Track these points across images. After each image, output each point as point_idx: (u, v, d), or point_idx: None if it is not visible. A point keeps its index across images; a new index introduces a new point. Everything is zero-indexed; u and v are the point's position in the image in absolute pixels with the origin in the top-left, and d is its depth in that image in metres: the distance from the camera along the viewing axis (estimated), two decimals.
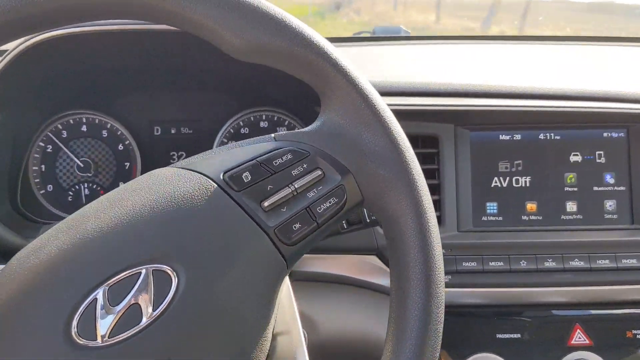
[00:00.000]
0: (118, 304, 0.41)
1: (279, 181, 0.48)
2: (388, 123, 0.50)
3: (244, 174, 0.47)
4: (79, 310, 0.40)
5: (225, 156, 0.50)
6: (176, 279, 0.42)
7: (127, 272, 0.41)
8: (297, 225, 0.47)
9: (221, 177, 0.47)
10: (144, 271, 0.42)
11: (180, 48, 0.91)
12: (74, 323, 0.40)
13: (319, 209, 0.48)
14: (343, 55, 0.49)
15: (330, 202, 0.49)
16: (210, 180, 0.46)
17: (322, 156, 0.50)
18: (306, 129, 0.52)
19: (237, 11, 0.46)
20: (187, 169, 0.48)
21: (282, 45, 0.47)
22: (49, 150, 0.94)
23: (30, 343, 0.40)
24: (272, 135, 0.51)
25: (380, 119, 0.49)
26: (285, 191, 0.47)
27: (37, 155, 0.94)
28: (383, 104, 0.50)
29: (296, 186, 0.48)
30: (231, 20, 0.46)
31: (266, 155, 0.49)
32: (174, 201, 0.45)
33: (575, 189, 0.90)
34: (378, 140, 0.49)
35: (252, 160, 0.48)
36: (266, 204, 0.47)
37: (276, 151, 0.49)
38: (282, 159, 0.49)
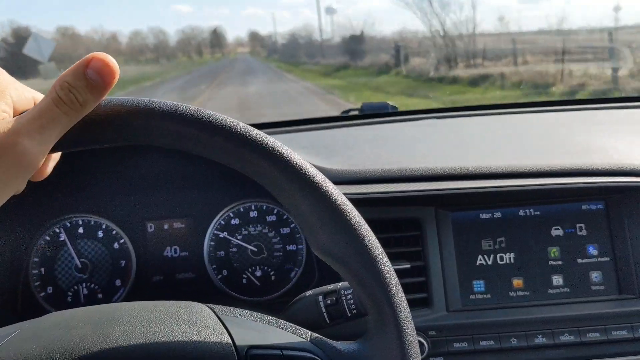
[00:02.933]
0: None
1: None
2: None
3: None
4: None
5: (260, 326, 0.53)
6: None
7: None
8: None
9: (245, 352, 0.50)
10: None
11: (173, 153, 0.96)
12: None
13: None
14: (404, 302, 0.51)
15: None
16: (234, 351, 0.49)
17: None
18: (341, 346, 0.53)
19: (337, 225, 0.49)
20: (223, 324, 0.52)
21: (359, 271, 0.50)
22: (47, 254, 0.98)
23: None
24: (310, 334, 0.54)
25: None
26: None
27: (37, 260, 0.97)
28: None
29: None
30: (328, 228, 0.49)
31: (293, 352, 0.51)
32: (191, 352, 0.49)
33: (560, 263, 0.91)
34: None
35: (279, 350, 0.50)
36: None
37: (304, 354, 0.51)
38: None
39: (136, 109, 0.48)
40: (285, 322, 0.56)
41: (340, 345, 0.53)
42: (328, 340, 0.54)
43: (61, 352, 0.48)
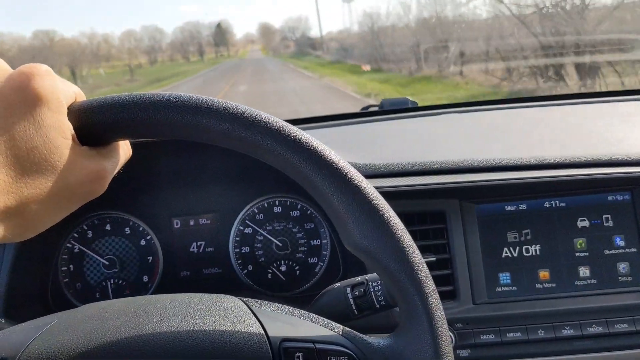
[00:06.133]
0: None
1: None
2: None
3: (298, 353, 0.50)
4: None
5: (293, 319, 0.54)
6: None
7: None
8: None
9: (278, 344, 0.50)
10: None
11: (197, 150, 0.97)
12: None
13: None
14: (435, 295, 0.51)
15: None
16: (267, 343, 0.50)
17: None
18: (373, 340, 0.53)
19: (369, 219, 0.49)
20: (256, 317, 0.53)
21: (390, 266, 0.50)
22: (76, 250, 0.99)
23: None
24: (342, 328, 0.54)
25: None
26: None
27: (66, 256, 0.99)
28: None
29: None
30: (359, 223, 0.50)
31: (325, 346, 0.51)
32: (226, 344, 0.50)
33: (587, 254, 0.91)
34: None
35: (311, 343, 0.51)
36: None
37: (336, 347, 0.51)
38: (337, 359, 0.50)
39: (174, 104, 0.48)
40: (317, 315, 0.56)
41: (372, 339, 0.54)
42: (360, 334, 0.54)
43: (97, 342, 0.49)
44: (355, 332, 0.54)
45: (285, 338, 0.51)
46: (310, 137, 0.50)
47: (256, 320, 0.53)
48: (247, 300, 0.57)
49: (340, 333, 0.54)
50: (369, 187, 0.51)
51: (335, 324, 0.55)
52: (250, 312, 0.54)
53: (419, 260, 0.51)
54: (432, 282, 0.52)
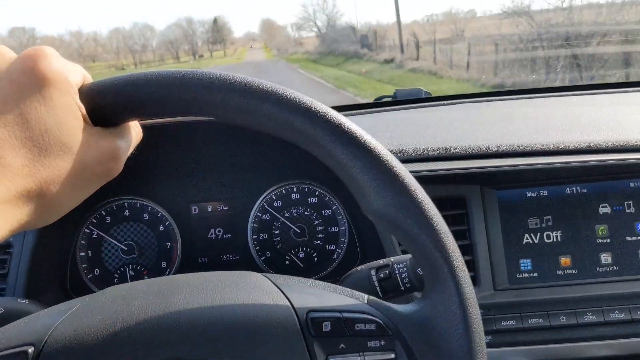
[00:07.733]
0: None
1: (353, 345, 0.49)
2: (475, 342, 0.50)
3: (325, 323, 0.49)
4: None
5: (317, 291, 0.54)
6: None
7: None
8: None
9: (305, 315, 0.50)
10: None
11: (215, 136, 0.97)
12: None
13: None
14: (460, 258, 0.50)
15: None
16: (294, 314, 0.50)
17: (401, 341, 0.51)
18: (400, 308, 0.53)
19: (389, 185, 0.48)
20: (281, 291, 0.53)
21: (413, 230, 0.49)
22: (94, 236, 0.99)
23: None
24: (366, 297, 0.54)
25: (470, 336, 0.49)
26: (354, 358, 0.49)
27: (84, 242, 0.99)
28: (479, 323, 0.50)
29: (366, 358, 0.49)
30: (380, 189, 0.48)
31: (352, 315, 0.50)
32: (253, 317, 0.49)
33: (608, 240, 0.90)
34: (459, 351, 0.49)
35: (338, 312, 0.50)
36: None
37: (363, 315, 0.51)
38: (365, 326, 0.50)
39: (193, 81, 0.48)
40: (341, 287, 0.56)
41: (398, 307, 0.53)
42: (385, 302, 0.53)
43: (124, 322, 0.48)
44: (381, 300, 0.54)
45: (312, 309, 0.50)
46: (325, 106, 0.49)
47: (281, 293, 0.52)
48: (270, 275, 0.57)
49: (366, 302, 0.54)
50: (388, 153, 0.50)
51: (360, 293, 0.55)
52: (274, 286, 0.54)
53: (442, 224, 0.50)
54: (456, 244, 0.51)
